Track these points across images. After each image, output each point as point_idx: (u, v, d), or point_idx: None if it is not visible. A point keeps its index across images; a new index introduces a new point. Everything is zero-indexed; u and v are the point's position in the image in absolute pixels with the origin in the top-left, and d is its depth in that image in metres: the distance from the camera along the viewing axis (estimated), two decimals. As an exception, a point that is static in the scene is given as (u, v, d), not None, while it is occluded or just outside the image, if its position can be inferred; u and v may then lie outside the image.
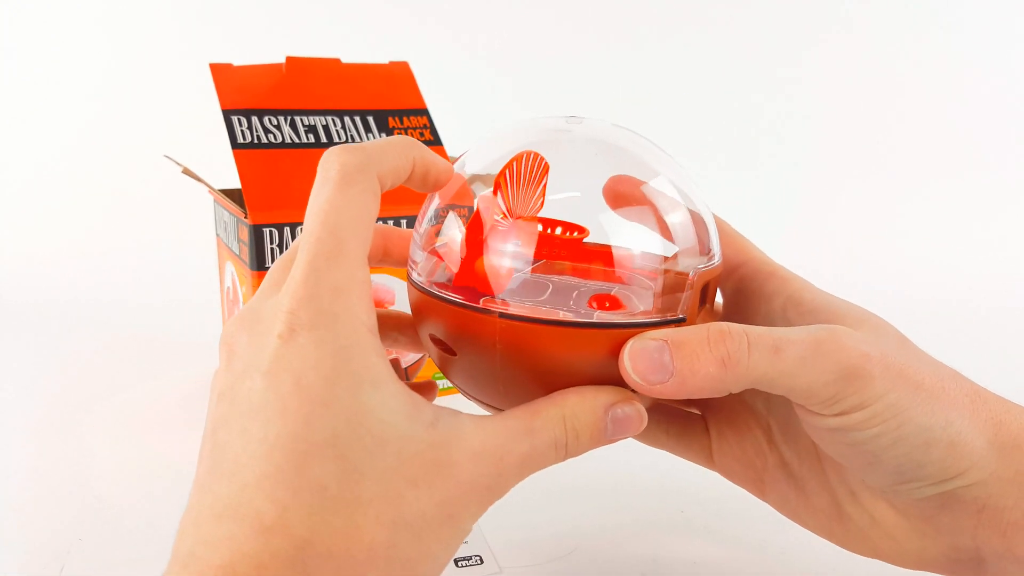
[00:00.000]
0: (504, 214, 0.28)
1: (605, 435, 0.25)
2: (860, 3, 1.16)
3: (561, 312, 0.27)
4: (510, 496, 0.45)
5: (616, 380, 0.26)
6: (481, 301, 0.27)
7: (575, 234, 0.29)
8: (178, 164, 0.57)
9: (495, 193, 0.28)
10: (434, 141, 0.58)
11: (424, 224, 0.30)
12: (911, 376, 0.25)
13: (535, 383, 0.26)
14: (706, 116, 1.14)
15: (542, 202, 0.28)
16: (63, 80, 1.08)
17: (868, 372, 0.24)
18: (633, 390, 0.25)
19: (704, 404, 0.34)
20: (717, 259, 0.29)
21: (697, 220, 0.29)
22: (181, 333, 0.70)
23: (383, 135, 0.57)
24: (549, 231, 0.29)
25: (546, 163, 0.28)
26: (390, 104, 0.59)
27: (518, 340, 0.25)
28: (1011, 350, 0.72)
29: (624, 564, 0.38)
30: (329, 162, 0.25)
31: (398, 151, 0.26)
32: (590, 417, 0.25)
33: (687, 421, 0.34)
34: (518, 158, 0.28)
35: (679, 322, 0.26)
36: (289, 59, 0.57)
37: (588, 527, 0.41)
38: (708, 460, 0.33)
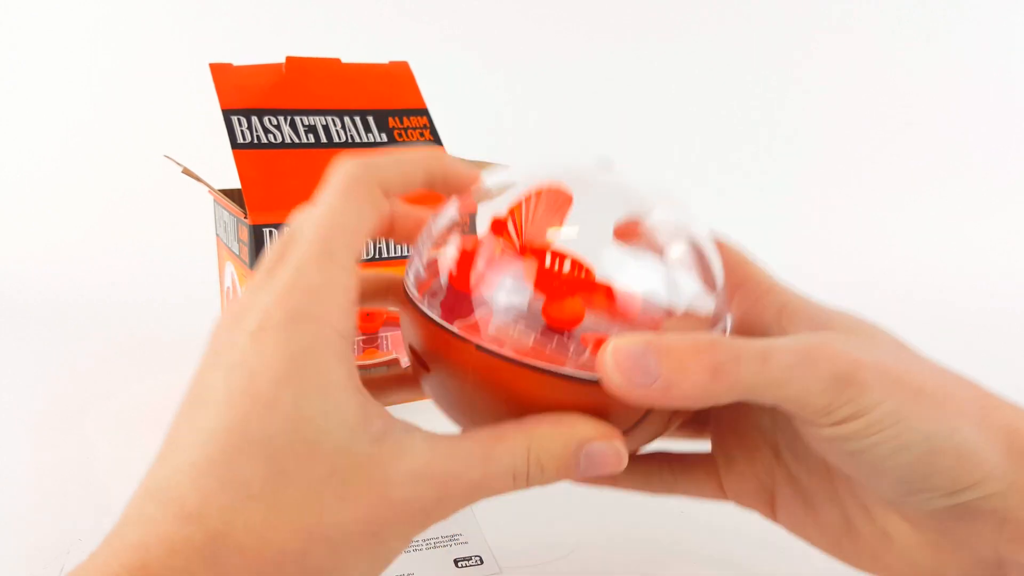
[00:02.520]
0: (512, 243, 0.27)
1: (576, 471, 0.24)
2: (864, 8, 1.16)
3: (547, 350, 0.26)
4: (510, 496, 0.45)
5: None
6: (458, 326, 0.26)
7: (582, 273, 0.28)
8: (178, 164, 0.57)
9: (507, 220, 0.27)
10: (434, 141, 0.58)
11: (435, 227, 0.29)
12: (910, 382, 0.24)
13: (505, 416, 0.26)
14: (705, 117, 1.14)
15: (558, 234, 0.28)
16: (63, 80, 1.08)
17: (862, 378, 0.24)
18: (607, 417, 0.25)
19: (714, 427, 0.33)
20: (719, 330, 0.28)
21: (709, 285, 0.28)
22: (181, 333, 0.70)
23: (383, 135, 0.57)
24: (556, 267, 0.28)
25: (568, 196, 0.28)
26: (390, 104, 0.59)
27: (491, 374, 0.25)
28: (1009, 353, 0.72)
29: (624, 564, 0.38)
30: (335, 170, 0.25)
31: (409, 163, 0.27)
32: (560, 451, 0.24)
33: (690, 456, 0.33)
34: (540, 189, 0.28)
35: None
36: (289, 59, 0.57)
37: (588, 527, 0.41)
38: (718, 490, 0.32)
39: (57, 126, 1.07)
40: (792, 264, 0.34)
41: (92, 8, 1.09)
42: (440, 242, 0.29)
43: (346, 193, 0.25)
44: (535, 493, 0.44)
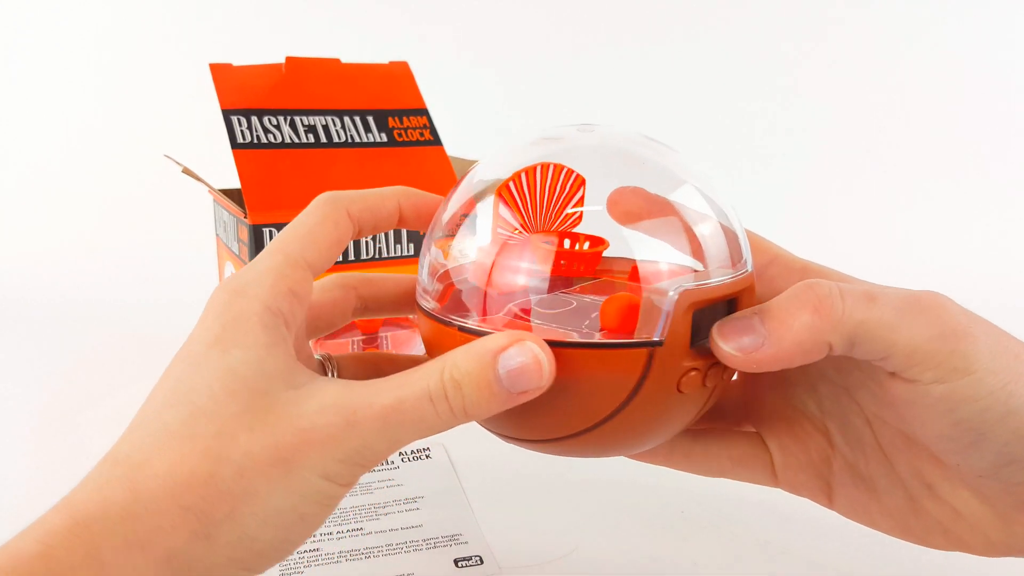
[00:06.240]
0: (518, 229, 0.27)
1: (498, 386, 0.23)
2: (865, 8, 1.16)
3: (557, 329, 0.26)
4: (510, 496, 0.45)
5: (569, 402, 0.25)
6: (453, 316, 0.26)
7: (590, 246, 0.28)
8: (178, 164, 0.57)
9: (511, 207, 0.27)
10: (434, 141, 0.58)
11: (437, 228, 0.30)
12: (1009, 346, 0.24)
13: None
14: (705, 115, 1.14)
15: (576, 215, 0.27)
16: (63, 80, 1.08)
17: (972, 333, 0.23)
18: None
19: (758, 420, 0.32)
20: (727, 276, 0.26)
21: (729, 234, 0.27)
22: (181, 333, 0.69)
23: (383, 135, 0.57)
24: (575, 246, 0.28)
25: (579, 176, 0.27)
26: (390, 104, 0.59)
27: None
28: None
29: (624, 564, 0.38)
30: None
31: (378, 195, 0.29)
32: (473, 365, 0.23)
33: (746, 443, 0.32)
34: (535, 169, 0.28)
35: (655, 345, 0.24)
36: (289, 59, 0.57)
37: (588, 527, 0.41)
38: (772, 478, 0.32)
39: (58, 126, 1.07)
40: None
41: (93, 8, 1.09)
42: (441, 240, 0.29)
43: (309, 211, 0.28)
44: (535, 493, 0.44)
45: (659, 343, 0.24)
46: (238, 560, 0.23)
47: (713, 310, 0.26)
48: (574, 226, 0.28)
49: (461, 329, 0.25)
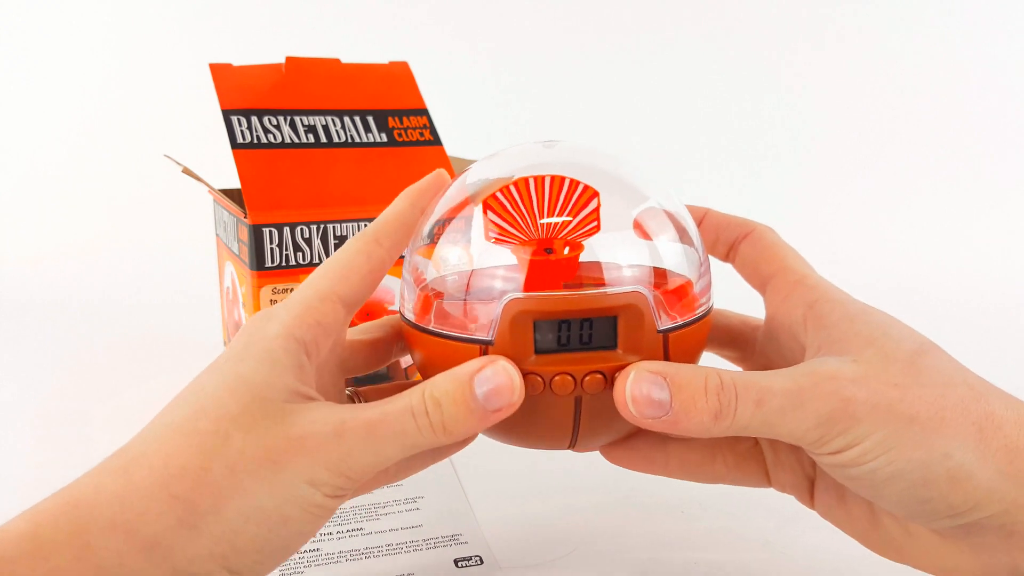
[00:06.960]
0: (504, 239, 0.28)
1: (475, 403, 0.25)
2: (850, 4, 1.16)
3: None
4: (510, 496, 0.45)
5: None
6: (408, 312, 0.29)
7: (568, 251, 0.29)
8: (178, 164, 0.57)
9: (502, 217, 0.28)
10: (434, 141, 0.58)
11: (426, 231, 0.30)
12: (903, 411, 0.25)
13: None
14: (711, 118, 1.14)
15: (591, 227, 0.28)
16: (63, 80, 1.08)
17: (851, 414, 0.25)
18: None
19: None
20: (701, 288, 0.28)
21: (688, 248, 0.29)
22: (181, 333, 0.70)
23: (383, 135, 0.57)
24: (557, 251, 0.29)
25: (588, 188, 0.28)
26: (390, 104, 0.59)
27: (414, 344, 0.30)
28: (1012, 352, 0.72)
29: (624, 564, 0.38)
30: None
31: (396, 211, 0.30)
32: (451, 385, 0.25)
33: (740, 447, 0.33)
34: (529, 180, 0.28)
35: (484, 344, 0.26)
36: (289, 59, 0.57)
37: (588, 527, 0.41)
38: (764, 479, 0.33)
39: (57, 126, 1.07)
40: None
41: (92, 8, 1.09)
42: (423, 248, 0.30)
43: (342, 248, 0.29)
44: (535, 492, 0.44)
45: (488, 342, 0.26)
46: (219, 555, 0.24)
47: (590, 324, 0.27)
48: (588, 236, 0.28)
49: (403, 319, 0.29)
